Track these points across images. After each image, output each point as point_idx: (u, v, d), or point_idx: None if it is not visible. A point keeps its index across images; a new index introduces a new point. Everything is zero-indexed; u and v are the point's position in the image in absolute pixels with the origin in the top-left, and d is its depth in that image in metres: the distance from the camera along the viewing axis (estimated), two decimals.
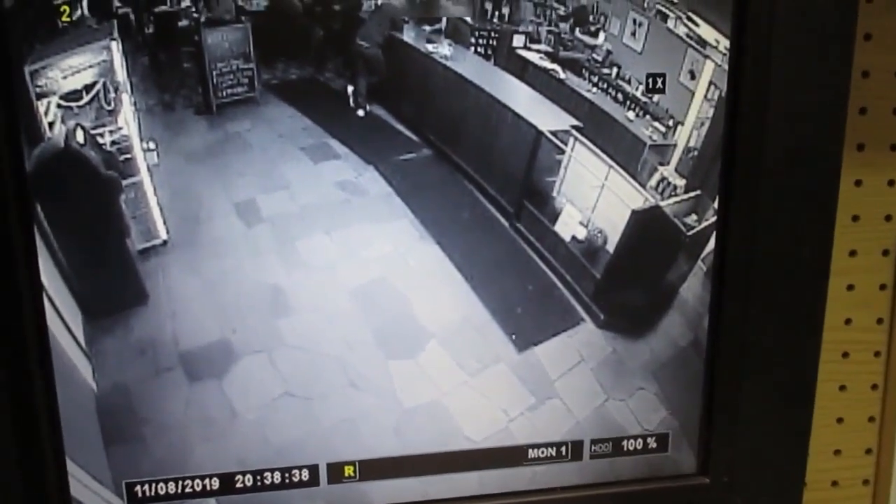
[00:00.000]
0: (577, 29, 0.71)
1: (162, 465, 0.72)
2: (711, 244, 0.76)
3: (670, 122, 0.74)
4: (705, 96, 0.73)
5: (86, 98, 0.65)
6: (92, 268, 0.68)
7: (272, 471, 0.74)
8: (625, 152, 0.74)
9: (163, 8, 0.65)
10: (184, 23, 0.66)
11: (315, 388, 0.74)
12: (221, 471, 0.73)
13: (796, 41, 0.71)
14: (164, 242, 0.69)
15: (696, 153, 0.74)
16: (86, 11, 0.63)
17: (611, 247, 0.75)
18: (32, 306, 0.66)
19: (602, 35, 0.72)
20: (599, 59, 0.72)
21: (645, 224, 0.75)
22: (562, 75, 0.72)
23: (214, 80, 0.68)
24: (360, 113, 0.71)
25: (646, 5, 0.71)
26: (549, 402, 0.78)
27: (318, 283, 0.72)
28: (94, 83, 0.65)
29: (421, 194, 0.73)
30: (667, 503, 0.82)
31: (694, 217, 0.76)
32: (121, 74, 0.65)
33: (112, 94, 0.65)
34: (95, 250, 0.68)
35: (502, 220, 0.75)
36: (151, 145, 0.67)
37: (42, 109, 0.64)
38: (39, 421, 0.68)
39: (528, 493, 0.79)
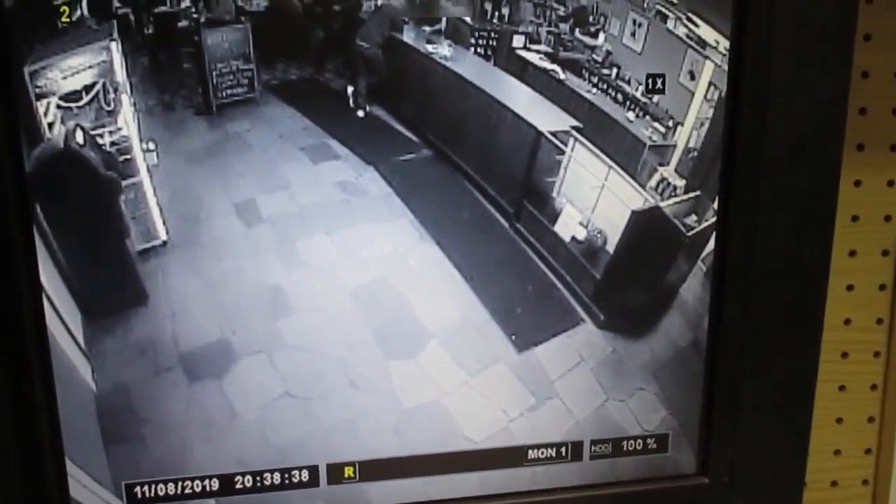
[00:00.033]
0: (577, 29, 0.71)
1: (161, 466, 0.72)
2: (711, 244, 0.76)
3: (670, 123, 0.74)
4: (705, 97, 0.73)
5: (85, 98, 0.65)
6: (92, 268, 0.68)
7: (272, 471, 0.74)
8: (625, 153, 0.74)
9: (162, 8, 0.65)
10: (183, 23, 0.66)
11: (315, 388, 0.74)
12: (221, 471, 0.73)
13: (796, 41, 0.71)
14: (164, 243, 0.69)
15: (695, 154, 0.75)
16: (85, 12, 0.63)
17: (610, 247, 0.75)
18: (32, 307, 0.66)
19: (602, 36, 0.72)
20: (599, 59, 0.72)
21: (645, 224, 0.75)
22: (562, 76, 0.72)
23: (214, 81, 0.68)
24: (360, 113, 0.71)
25: (645, 6, 0.71)
26: (549, 402, 0.78)
27: (318, 283, 0.72)
28: (94, 84, 0.65)
29: (421, 195, 0.73)
30: (667, 503, 0.82)
31: (694, 217, 0.76)
32: (120, 75, 0.65)
33: (112, 95, 0.65)
34: (95, 251, 0.68)
35: (502, 220, 0.75)
36: (151, 146, 0.67)
37: (42, 110, 0.64)
38: (39, 421, 0.68)
39: (529, 493, 0.79)
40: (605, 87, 0.73)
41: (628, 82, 0.73)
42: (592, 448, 0.79)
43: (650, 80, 0.73)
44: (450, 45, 0.71)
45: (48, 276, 0.66)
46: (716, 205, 0.75)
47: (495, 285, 0.75)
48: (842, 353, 0.94)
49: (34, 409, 0.67)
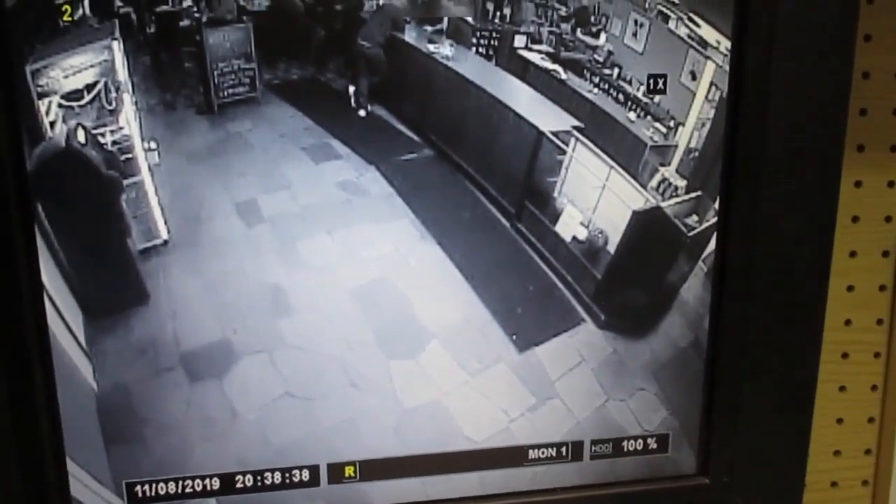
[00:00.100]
0: (579, 30, 0.71)
1: (162, 465, 0.72)
2: (712, 245, 0.76)
3: (671, 123, 0.74)
4: (706, 97, 0.73)
5: (87, 97, 0.65)
6: (93, 268, 0.68)
7: (272, 471, 0.74)
8: (626, 153, 0.74)
9: (164, 8, 0.65)
10: (185, 22, 0.66)
11: (316, 388, 0.74)
12: (222, 471, 0.73)
13: (797, 42, 0.71)
14: (165, 242, 0.69)
15: (697, 154, 0.75)
16: (87, 11, 0.63)
17: (612, 247, 0.75)
18: (33, 306, 0.66)
19: (603, 36, 0.72)
20: (601, 59, 0.73)
21: (646, 225, 0.75)
22: (563, 76, 0.72)
23: (216, 80, 0.68)
24: (362, 113, 0.71)
25: (647, 6, 0.71)
26: (549, 402, 0.78)
27: (318, 283, 0.72)
28: (96, 83, 0.65)
29: (422, 194, 0.73)
30: (667, 503, 0.82)
31: (695, 218, 0.76)
32: (122, 74, 0.65)
33: (113, 94, 0.65)
34: (96, 250, 0.68)
35: (503, 220, 0.75)
36: (152, 145, 0.67)
37: (43, 109, 0.64)
38: (40, 421, 0.68)
39: (529, 493, 0.79)
40: (606, 87, 0.73)
41: (630, 82, 0.73)
42: (593, 448, 0.79)
43: (651, 81, 0.73)
44: (451, 45, 0.71)
45: (49, 276, 0.66)
46: (717, 205, 0.75)
47: (496, 285, 0.75)
48: (842, 354, 0.94)
49: (35, 408, 0.67)
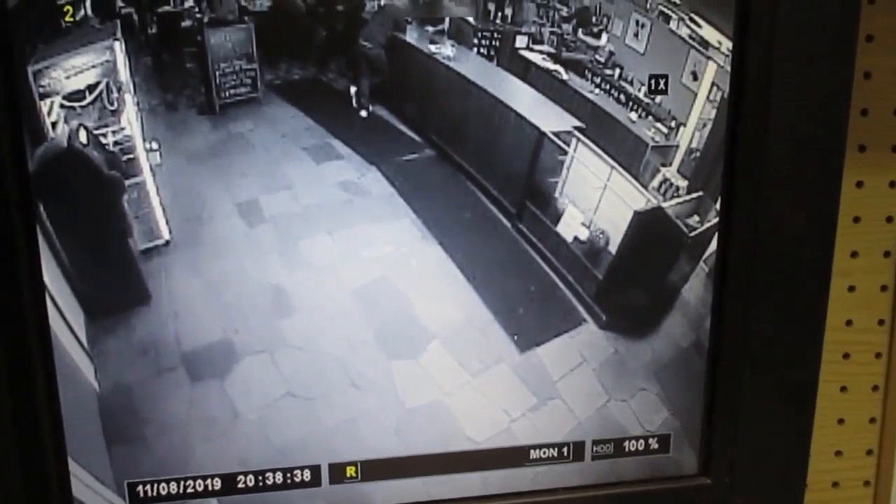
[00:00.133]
0: (580, 30, 0.71)
1: (164, 465, 0.72)
2: (713, 245, 0.76)
3: (672, 124, 0.74)
4: (708, 97, 0.73)
5: (89, 98, 0.65)
6: (94, 268, 0.68)
7: (274, 471, 0.74)
8: (627, 153, 0.74)
9: (166, 8, 0.65)
10: (187, 23, 0.66)
11: (317, 388, 0.74)
12: (223, 471, 0.73)
13: (798, 42, 0.71)
14: (167, 242, 0.69)
15: (698, 154, 0.75)
16: (89, 11, 0.63)
17: (613, 248, 0.75)
18: (35, 306, 0.66)
19: (605, 36, 0.72)
20: (602, 60, 0.73)
21: (647, 225, 0.75)
22: (564, 76, 0.73)
23: (217, 81, 0.68)
24: (363, 113, 0.71)
25: (648, 6, 0.71)
26: (550, 402, 0.78)
27: (320, 283, 0.72)
28: (98, 83, 0.65)
29: (423, 195, 0.73)
30: (668, 503, 0.82)
31: (696, 218, 0.76)
32: (124, 74, 0.65)
33: (115, 95, 0.65)
34: (98, 250, 0.68)
35: (504, 220, 0.75)
36: (154, 145, 0.67)
37: (45, 109, 0.64)
38: (41, 421, 0.68)
39: (530, 493, 0.79)
40: (607, 87, 0.73)
41: (631, 83, 0.73)
42: (594, 448, 0.79)
43: (653, 81, 0.73)
44: (453, 46, 0.71)
45: (51, 276, 0.66)
46: (718, 205, 0.75)
47: (497, 285, 0.75)
48: (843, 354, 0.94)
49: (37, 408, 0.68)
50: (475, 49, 0.71)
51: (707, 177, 0.75)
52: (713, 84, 0.73)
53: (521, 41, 0.71)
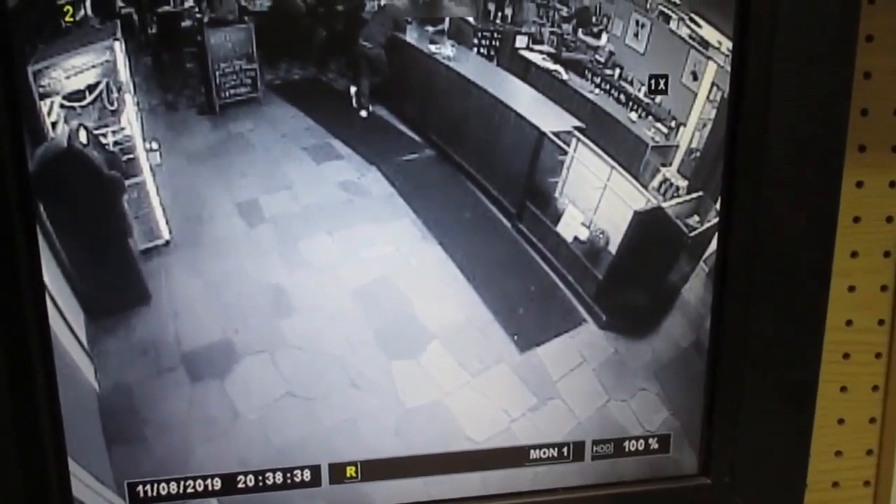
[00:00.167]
0: (580, 30, 0.71)
1: (164, 465, 0.72)
2: (713, 245, 0.76)
3: (672, 124, 0.74)
4: (708, 97, 0.73)
5: (89, 98, 0.65)
6: (94, 268, 0.68)
7: (274, 471, 0.74)
8: (627, 153, 0.74)
9: (166, 8, 0.65)
10: (187, 23, 0.66)
11: (317, 388, 0.74)
12: (223, 471, 0.73)
13: (798, 42, 0.71)
14: (167, 242, 0.69)
15: (698, 154, 0.75)
16: (89, 11, 0.63)
17: (613, 248, 0.75)
18: (35, 306, 0.66)
19: (605, 36, 0.72)
20: (602, 60, 0.73)
21: (647, 225, 0.75)
22: (564, 76, 0.73)
23: (217, 81, 0.68)
24: (363, 113, 0.71)
25: (648, 6, 0.71)
26: (550, 402, 0.78)
27: (320, 283, 0.72)
28: (98, 83, 0.65)
29: (423, 195, 0.73)
30: (668, 503, 0.82)
31: (696, 218, 0.76)
32: (124, 74, 0.65)
33: (115, 95, 0.65)
34: (98, 250, 0.68)
35: (504, 220, 0.75)
36: (154, 145, 0.67)
37: (45, 109, 0.64)
38: (41, 421, 0.68)
39: (530, 493, 0.79)
40: (607, 87, 0.73)
41: (631, 83, 0.73)
42: (594, 448, 0.79)
43: (653, 81, 0.73)
44: (453, 46, 0.71)
45: (51, 276, 0.66)
46: (718, 205, 0.75)
47: (497, 285, 0.75)
48: (843, 354, 0.94)
49: (37, 408, 0.68)
50: (475, 49, 0.71)
51: (707, 177, 0.75)
52: (713, 84, 0.73)
53: (521, 41, 0.71)
